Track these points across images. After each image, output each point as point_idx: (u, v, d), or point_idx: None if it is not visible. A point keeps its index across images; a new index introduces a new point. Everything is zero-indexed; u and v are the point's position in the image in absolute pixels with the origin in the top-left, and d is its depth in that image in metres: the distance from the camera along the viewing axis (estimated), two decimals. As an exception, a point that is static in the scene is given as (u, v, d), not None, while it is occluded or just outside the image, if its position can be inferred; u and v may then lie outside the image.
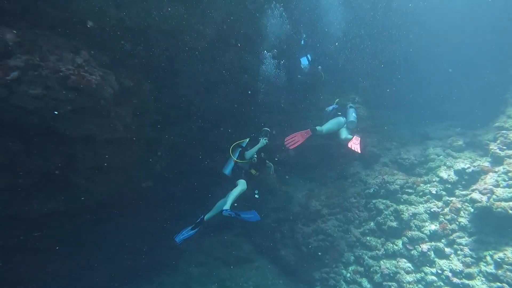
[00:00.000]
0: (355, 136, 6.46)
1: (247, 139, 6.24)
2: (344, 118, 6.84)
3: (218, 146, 7.18)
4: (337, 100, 7.55)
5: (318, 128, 6.44)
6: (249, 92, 7.02)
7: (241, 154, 6.01)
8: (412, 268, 6.01)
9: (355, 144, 6.32)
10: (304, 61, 9.27)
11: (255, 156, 5.94)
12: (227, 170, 6.12)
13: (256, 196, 6.11)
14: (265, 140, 6.03)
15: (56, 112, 3.47)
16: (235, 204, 5.47)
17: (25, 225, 4.77)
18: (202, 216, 5.80)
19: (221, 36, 5.81)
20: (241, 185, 5.63)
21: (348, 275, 6.59)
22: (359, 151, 6.30)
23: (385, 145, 7.90)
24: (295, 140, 6.39)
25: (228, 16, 5.66)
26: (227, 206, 5.18)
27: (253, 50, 6.67)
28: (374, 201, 6.94)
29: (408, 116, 8.39)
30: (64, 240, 5.73)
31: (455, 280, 5.44)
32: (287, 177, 8.54)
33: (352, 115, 6.81)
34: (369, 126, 8.38)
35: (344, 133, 6.68)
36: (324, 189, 7.98)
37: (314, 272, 7.02)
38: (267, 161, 6.36)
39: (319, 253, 7.04)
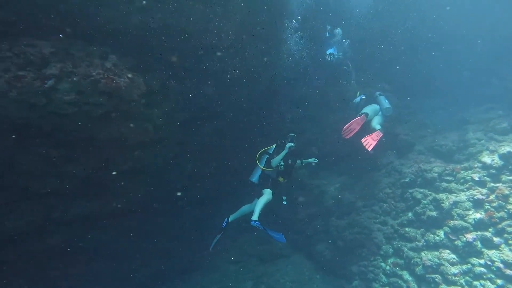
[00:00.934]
0: (377, 132, 6.26)
1: (274, 146, 6.10)
2: (378, 106, 6.69)
3: (246, 145, 7.21)
4: (358, 92, 7.36)
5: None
6: (275, 81, 6.96)
7: (268, 162, 5.89)
8: (457, 259, 5.71)
9: (372, 140, 6.12)
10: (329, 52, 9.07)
11: (282, 163, 5.82)
12: (254, 178, 6.03)
13: (284, 202, 5.97)
14: (290, 145, 5.87)
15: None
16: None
17: (67, 228, 4.99)
18: (227, 219, 5.79)
19: (244, 31, 5.77)
20: (267, 194, 5.54)
21: (388, 268, 6.38)
22: (370, 150, 6.12)
23: (419, 132, 7.58)
24: (351, 128, 6.34)
25: (250, 9, 5.58)
26: (255, 217, 5.10)
27: (277, 40, 6.57)
28: (410, 190, 6.67)
29: (442, 102, 7.99)
30: (103, 242, 5.96)
31: (509, 271, 5.08)
32: (317, 169, 8.44)
33: (386, 102, 6.66)
34: (400, 114, 8.08)
35: (376, 121, 6.50)
36: (357, 181, 7.79)
37: (351, 266, 6.87)
38: (311, 159, 6.41)
39: (355, 247, 6.89)
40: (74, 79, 3.27)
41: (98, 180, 4.66)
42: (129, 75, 3.75)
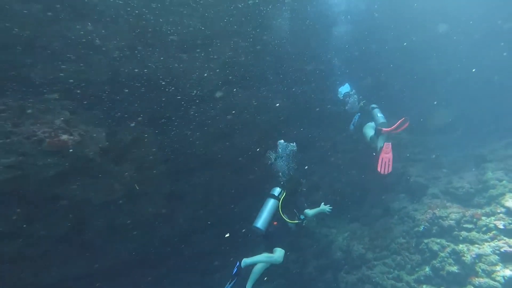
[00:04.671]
0: (384, 148, 5.79)
1: (284, 192, 5.37)
2: (373, 123, 6.34)
3: (243, 191, 6.88)
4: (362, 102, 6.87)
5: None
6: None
7: (293, 213, 5.28)
8: (487, 326, 4.73)
9: (386, 159, 5.74)
10: (343, 90, 8.53)
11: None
12: (260, 223, 5.03)
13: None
14: (328, 208, 5.65)
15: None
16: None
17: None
18: (239, 263, 4.91)
19: (229, 72, 5.68)
20: (279, 257, 4.85)
21: (405, 335, 5.43)
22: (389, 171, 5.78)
23: (433, 173, 6.88)
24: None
25: (234, 46, 5.51)
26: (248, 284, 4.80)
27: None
28: (426, 241, 5.86)
29: (456, 138, 7.31)
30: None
31: None
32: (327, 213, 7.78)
33: (381, 116, 6.28)
34: (412, 153, 7.46)
35: (379, 140, 6.09)
36: (367, 230, 7.09)
37: (364, 331, 5.96)
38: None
39: (367, 307, 6.02)
40: (14, 140, 3.23)
41: (76, 240, 4.48)
42: (82, 132, 3.66)
